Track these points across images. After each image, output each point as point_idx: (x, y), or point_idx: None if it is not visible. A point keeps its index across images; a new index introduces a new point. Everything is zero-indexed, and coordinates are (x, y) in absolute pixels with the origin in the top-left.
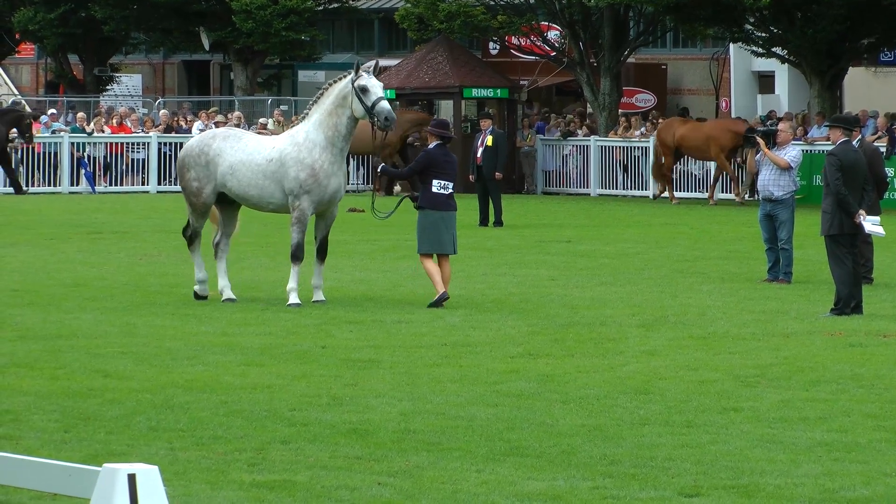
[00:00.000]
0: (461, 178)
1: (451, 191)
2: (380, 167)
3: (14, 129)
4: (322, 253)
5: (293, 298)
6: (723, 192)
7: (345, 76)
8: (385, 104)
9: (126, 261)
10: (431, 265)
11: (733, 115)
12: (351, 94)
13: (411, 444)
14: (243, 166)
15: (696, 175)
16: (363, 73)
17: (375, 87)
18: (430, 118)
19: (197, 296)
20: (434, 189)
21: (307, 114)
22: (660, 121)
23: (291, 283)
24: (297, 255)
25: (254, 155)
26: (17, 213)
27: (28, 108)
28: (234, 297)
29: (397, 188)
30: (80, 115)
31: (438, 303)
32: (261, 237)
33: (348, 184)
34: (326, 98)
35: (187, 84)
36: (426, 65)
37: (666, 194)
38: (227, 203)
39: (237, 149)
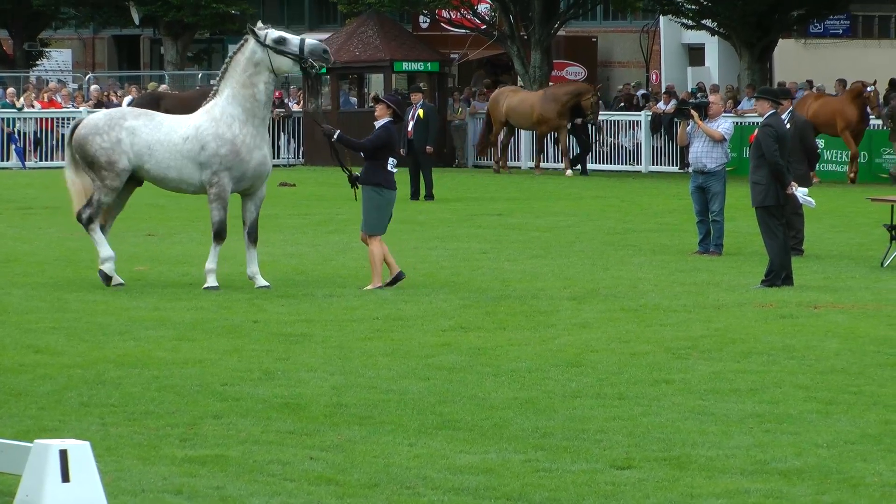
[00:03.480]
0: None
1: (396, 169)
2: (336, 133)
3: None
4: (253, 236)
5: (211, 281)
6: (654, 164)
7: (243, 44)
8: (311, 40)
9: (57, 236)
10: (380, 250)
11: (664, 88)
12: (265, 55)
13: (343, 419)
14: (161, 146)
15: (626, 147)
16: (265, 30)
17: (289, 34)
18: (591, 88)
19: (105, 276)
20: (389, 167)
21: (217, 90)
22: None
23: (210, 264)
24: (220, 234)
25: (170, 134)
26: None
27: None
28: (122, 281)
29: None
30: (10, 90)
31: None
32: (192, 211)
33: (278, 158)
34: (234, 70)
35: (117, 59)
36: (357, 39)
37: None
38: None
39: (151, 127)
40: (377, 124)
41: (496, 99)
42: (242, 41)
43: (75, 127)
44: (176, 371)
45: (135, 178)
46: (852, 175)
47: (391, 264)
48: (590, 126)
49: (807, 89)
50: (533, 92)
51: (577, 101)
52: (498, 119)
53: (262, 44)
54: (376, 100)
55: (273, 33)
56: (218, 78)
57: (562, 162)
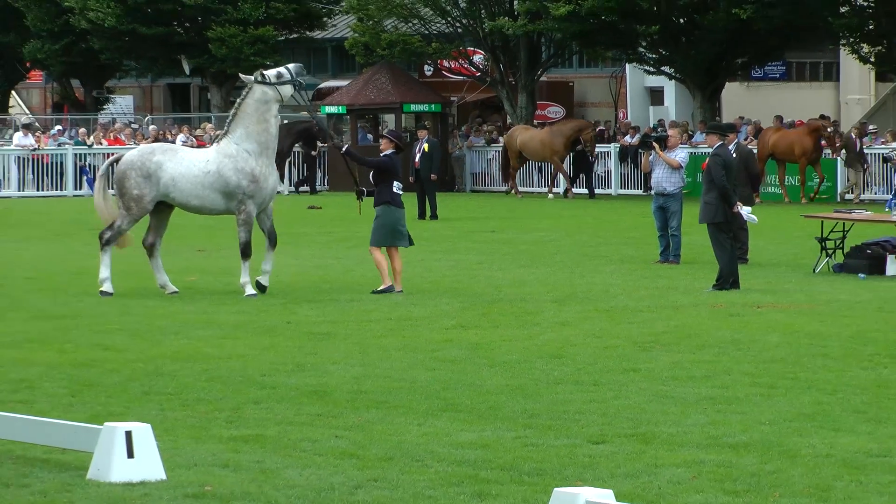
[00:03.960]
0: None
1: (401, 192)
2: (345, 147)
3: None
4: (273, 240)
5: (249, 290)
6: (622, 188)
7: (249, 91)
8: (291, 65)
9: (121, 252)
10: (381, 257)
11: (631, 124)
12: (272, 91)
13: (363, 403)
14: (183, 178)
15: (598, 174)
16: (260, 75)
17: (279, 68)
18: (589, 125)
19: (105, 294)
20: (394, 189)
21: (227, 130)
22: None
23: (244, 278)
24: (246, 253)
25: (191, 168)
26: (30, 214)
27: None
28: (176, 289)
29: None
30: (82, 130)
31: (384, 292)
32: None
33: (305, 185)
34: (244, 111)
35: (171, 103)
36: (372, 85)
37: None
38: (162, 208)
39: (175, 161)
40: (382, 155)
41: (512, 136)
42: (247, 90)
43: (113, 162)
44: (222, 364)
45: (167, 203)
46: (807, 194)
47: (394, 277)
48: (589, 157)
49: (749, 125)
50: (541, 129)
51: (579, 135)
52: (514, 152)
53: (271, 83)
54: (381, 136)
55: (271, 73)
56: (228, 121)
57: (546, 186)
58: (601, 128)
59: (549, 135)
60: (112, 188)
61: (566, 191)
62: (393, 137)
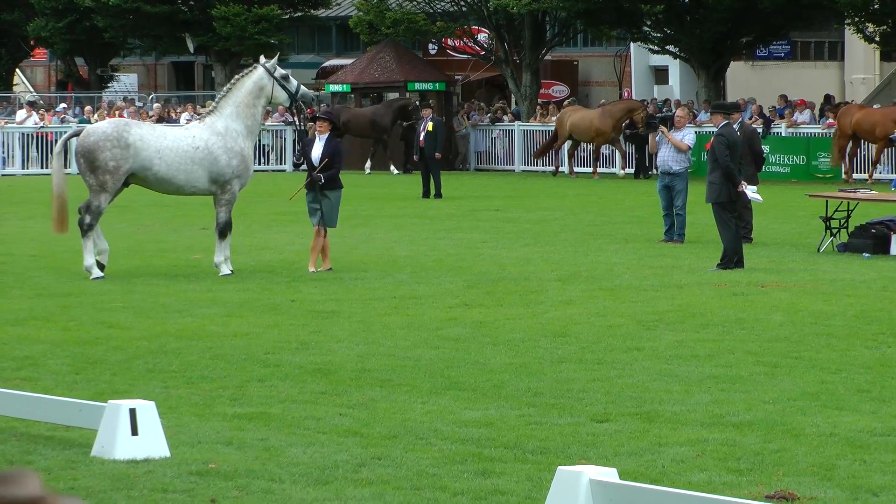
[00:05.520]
0: (408, 158)
1: None
2: (321, 177)
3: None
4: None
5: (225, 270)
6: (627, 167)
7: (251, 71)
8: (304, 88)
9: (126, 230)
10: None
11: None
12: (270, 84)
13: (367, 381)
14: (171, 152)
15: (603, 153)
16: (276, 65)
17: (293, 79)
18: (640, 105)
19: (96, 279)
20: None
21: (217, 106)
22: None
23: (219, 257)
24: (225, 232)
25: (178, 142)
26: (34, 192)
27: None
28: (102, 274)
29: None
30: (87, 108)
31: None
32: (238, 209)
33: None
34: (239, 91)
35: (175, 82)
36: (376, 63)
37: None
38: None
39: (157, 135)
40: (321, 137)
41: (561, 119)
42: (249, 69)
43: (72, 136)
44: (226, 342)
45: (124, 182)
46: (869, 175)
47: (324, 256)
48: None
49: (754, 104)
50: (591, 110)
51: (630, 116)
52: (563, 134)
53: (272, 74)
54: (318, 118)
55: (281, 70)
56: (219, 97)
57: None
58: (657, 107)
59: (600, 116)
60: (69, 166)
61: (593, 171)
62: (332, 118)
